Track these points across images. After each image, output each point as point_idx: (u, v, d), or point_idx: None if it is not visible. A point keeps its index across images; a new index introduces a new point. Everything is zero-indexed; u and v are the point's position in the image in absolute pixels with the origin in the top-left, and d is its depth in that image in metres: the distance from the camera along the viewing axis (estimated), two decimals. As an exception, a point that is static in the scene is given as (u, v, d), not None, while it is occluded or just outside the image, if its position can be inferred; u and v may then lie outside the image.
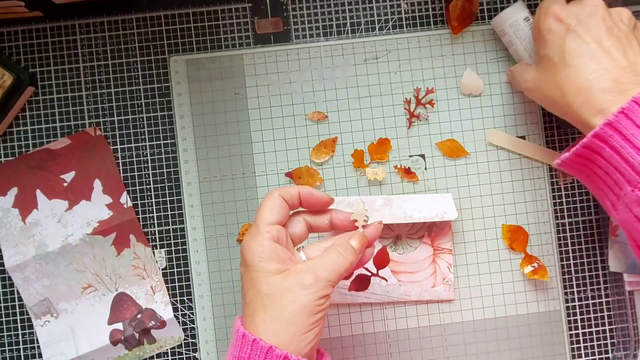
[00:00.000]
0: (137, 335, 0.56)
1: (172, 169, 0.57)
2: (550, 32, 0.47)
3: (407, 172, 0.57)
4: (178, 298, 0.56)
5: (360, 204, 0.46)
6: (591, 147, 0.43)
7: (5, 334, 0.56)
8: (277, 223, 0.43)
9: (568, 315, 0.57)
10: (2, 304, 0.56)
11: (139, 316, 0.56)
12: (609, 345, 0.57)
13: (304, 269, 0.41)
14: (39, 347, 0.56)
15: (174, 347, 0.56)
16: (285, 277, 0.41)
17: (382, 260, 0.56)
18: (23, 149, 0.56)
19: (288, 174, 0.57)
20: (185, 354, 0.56)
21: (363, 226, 0.46)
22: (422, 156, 0.57)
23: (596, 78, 0.44)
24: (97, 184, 0.56)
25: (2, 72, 0.54)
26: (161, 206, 0.56)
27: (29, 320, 0.56)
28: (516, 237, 0.57)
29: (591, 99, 0.44)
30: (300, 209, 0.46)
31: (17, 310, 0.56)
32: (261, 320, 0.40)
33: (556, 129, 0.58)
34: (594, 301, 0.57)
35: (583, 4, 0.47)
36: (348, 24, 0.58)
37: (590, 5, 0.46)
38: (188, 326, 0.56)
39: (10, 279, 0.55)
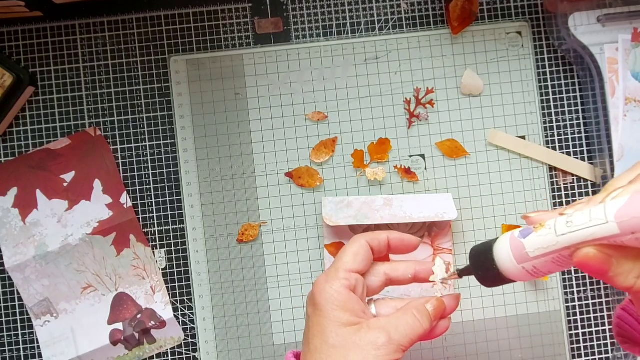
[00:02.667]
0: (137, 335, 0.56)
1: (172, 169, 0.57)
2: None
3: (407, 172, 0.57)
4: (178, 298, 0.56)
5: (443, 266, 0.43)
6: None
7: (5, 334, 0.56)
8: (358, 272, 0.41)
9: (568, 315, 0.57)
10: (2, 304, 0.56)
11: (139, 316, 0.56)
12: (609, 345, 0.57)
13: (377, 326, 0.39)
14: (39, 347, 0.56)
15: (174, 347, 0.56)
16: (356, 332, 0.38)
17: (382, 260, 0.56)
18: (23, 149, 0.56)
19: (288, 174, 0.57)
20: (185, 354, 0.56)
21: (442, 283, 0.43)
22: (422, 156, 0.57)
23: None
24: (97, 184, 0.56)
25: (2, 72, 0.54)
26: (161, 206, 0.56)
27: (29, 320, 0.56)
28: (516, 237, 0.57)
29: None
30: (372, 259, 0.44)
31: (17, 310, 0.56)
32: None
33: (556, 129, 0.58)
34: (594, 301, 0.57)
35: None
36: (348, 24, 0.58)
37: None
38: (188, 326, 0.56)
39: (10, 279, 0.55)
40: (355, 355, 0.38)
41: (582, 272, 0.57)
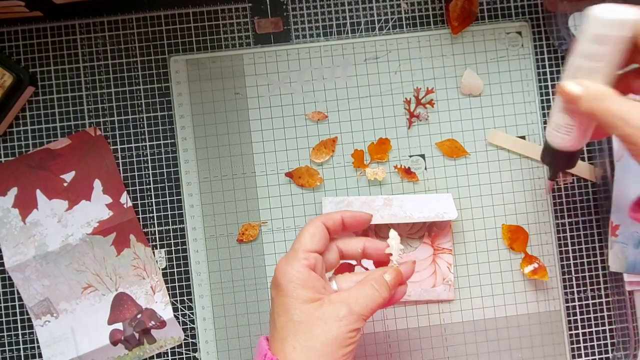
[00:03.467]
0: (137, 335, 0.56)
1: (172, 169, 0.57)
2: None
3: (407, 172, 0.57)
4: (178, 298, 0.56)
5: (397, 237, 0.45)
6: None
7: (5, 334, 0.56)
8: (316, 251, 0.43)
9: (568, 315, 0.57)
10: (2, 304, 0.56)
11: (139, 316, 0.56)
12: (609, 345, 0.57)
13: (338, 300, 0.41)
14: (39, 347, 0.56)
15: (174, 347, 0.56)
16: (319, 307, 0.41)
17: (381, 261, 0.56)
18: (23, 149, 0.56)
19: (288, 174, 0.57)
20: (185, 354, 0.56)
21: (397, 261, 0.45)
22: (422, 156, 0.57)
23: None
24: (97, 184, 0.56)
25: (2, 72, 0.54)
26: (161, 206, 0.56)
27: (29, 320, 0.56)
28: (516, 237, 0.57)
29: None
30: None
31: (17, 310, 0.56)
32: (291, 348, 0.40)
33: (556, 129, 0.58)
34: (594, 301, 0.57)
35: None
36: (348, 24, 0.58)
37: None
38: (188, 326, 0.56)
39: (10, 279, 0.55)
40: (319, 329, 0.40)
41: (581, 272, 0.57)
